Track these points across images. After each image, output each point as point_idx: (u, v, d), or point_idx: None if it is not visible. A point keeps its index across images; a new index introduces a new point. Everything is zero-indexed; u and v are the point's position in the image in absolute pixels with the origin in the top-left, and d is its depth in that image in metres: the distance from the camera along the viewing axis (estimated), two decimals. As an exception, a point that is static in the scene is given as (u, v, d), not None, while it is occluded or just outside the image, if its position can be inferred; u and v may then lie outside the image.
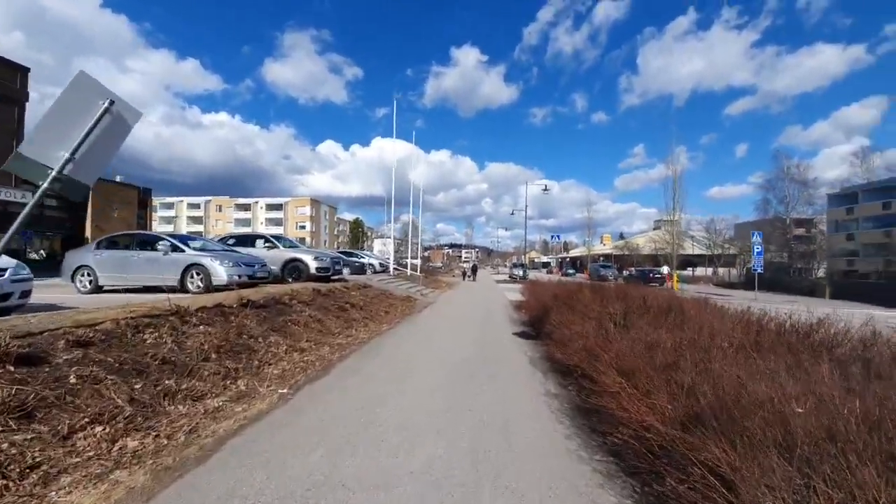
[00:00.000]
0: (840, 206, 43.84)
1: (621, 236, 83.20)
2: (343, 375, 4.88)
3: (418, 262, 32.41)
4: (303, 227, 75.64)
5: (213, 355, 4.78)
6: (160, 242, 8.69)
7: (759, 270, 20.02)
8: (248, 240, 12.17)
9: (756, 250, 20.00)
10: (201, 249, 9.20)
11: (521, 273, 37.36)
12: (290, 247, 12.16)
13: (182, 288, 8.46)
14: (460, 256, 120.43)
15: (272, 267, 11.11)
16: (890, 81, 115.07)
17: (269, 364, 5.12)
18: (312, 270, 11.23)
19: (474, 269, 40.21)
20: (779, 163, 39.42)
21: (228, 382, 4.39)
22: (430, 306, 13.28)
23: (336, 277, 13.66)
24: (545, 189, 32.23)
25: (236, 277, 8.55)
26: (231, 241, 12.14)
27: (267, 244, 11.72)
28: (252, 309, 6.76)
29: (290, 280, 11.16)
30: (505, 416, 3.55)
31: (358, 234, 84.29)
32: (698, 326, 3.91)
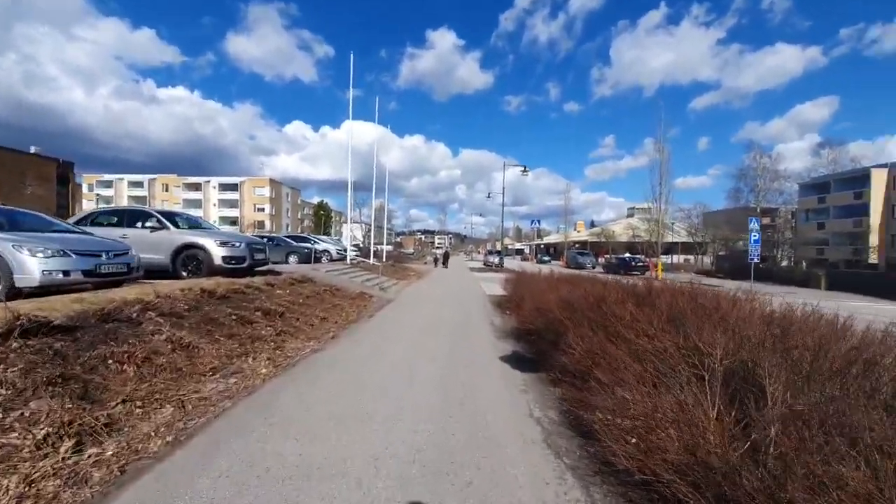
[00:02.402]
0: (811, 195, 44.01)
1: (592, 224, 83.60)
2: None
3: (384, 247, 29.38)
4: (261, 210, 70.07)
5: None
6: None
7: (756, 259, 18.43)
8: (129, 217, 8.63)
9: (753, 238, 18.34)
10: (19, 231, 5.86)
11: (496, 260, 35.07)
12: (191, 228, 8.81)
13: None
14: (433, 243, 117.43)
15: (157, 256, 7.84)
16: (841, 82, 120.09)
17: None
18: (217, 261, 8.00)
19: (446, 257, 37.49)
20: (750, 153, 39.06)
21: None
22: (387, 306, 10.40)
23: (264, 269, 10.50)
24: (524, 170, 29.65)
25: (60, 276, 5.32)
26: (105, 220, 8.64)
27: (154, 224, 8.30)
28: (39, 338, 3.67)
29: (185, 275, 7.92)
30: None
31: (322, 219, 79.37)
32: None
